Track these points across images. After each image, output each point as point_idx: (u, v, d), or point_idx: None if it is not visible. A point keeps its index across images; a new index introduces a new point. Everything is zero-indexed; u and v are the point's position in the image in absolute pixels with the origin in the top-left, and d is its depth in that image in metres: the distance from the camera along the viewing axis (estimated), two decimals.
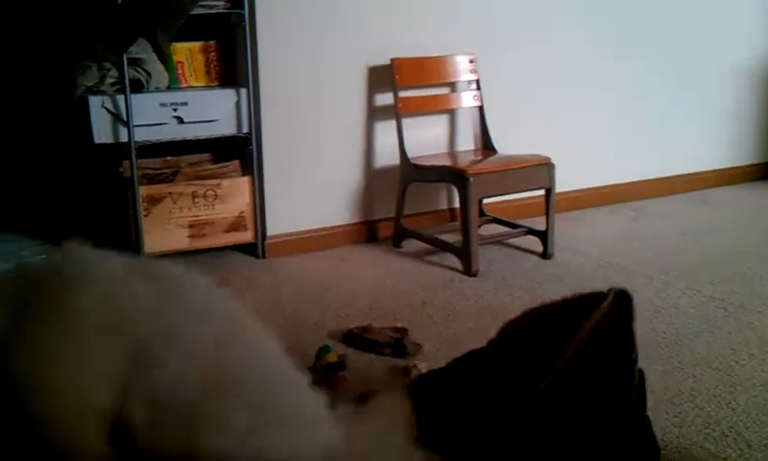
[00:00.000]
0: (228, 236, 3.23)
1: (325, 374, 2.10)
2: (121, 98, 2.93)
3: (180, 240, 3.13)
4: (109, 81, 2.98)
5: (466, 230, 3.09)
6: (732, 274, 3.07)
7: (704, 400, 2.07)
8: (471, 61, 3.56)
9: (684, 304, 2.76)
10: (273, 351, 1.55)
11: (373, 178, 3.52)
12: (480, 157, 3.49)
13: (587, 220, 3.90)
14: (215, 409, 1.33)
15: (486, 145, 3.59)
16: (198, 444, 1.29)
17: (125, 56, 2.86)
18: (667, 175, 4.37)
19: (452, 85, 3.61)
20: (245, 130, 3.18)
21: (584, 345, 1.59)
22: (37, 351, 1.27)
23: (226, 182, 3.18)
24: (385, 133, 3.47)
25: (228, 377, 1.38)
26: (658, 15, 4.08)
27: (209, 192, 3.14)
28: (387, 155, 3.48)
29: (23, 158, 3.81)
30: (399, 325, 2.51)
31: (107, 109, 2.97)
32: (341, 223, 3.49)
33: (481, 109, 3.59)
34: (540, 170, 3.24)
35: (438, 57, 3.50)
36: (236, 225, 3.22)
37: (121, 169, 3.16)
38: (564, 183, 3.50)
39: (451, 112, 3.66)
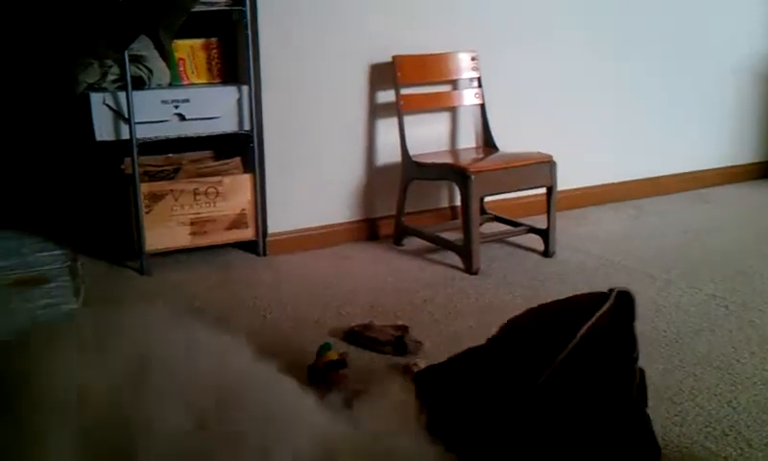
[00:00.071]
0: (230, 234, 3.23)
1: (326, 371, 2.10)
2: (122, 95, 2.93)
3: (182, 237, 3.13)
4: (111, 78, 2.98)
5: (467, 229, 3.09)
6: (734, 272, 3.07)
7: (704, 398, 2.07)
8: (473, 59, 3.56)
9: (685, 303, 2.77)
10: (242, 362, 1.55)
11: (375, 175, 3.52)
12: (481, 155, 3.49)
13: (588, 218, 3.89)
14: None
15: (487, 143, 3.59)
16: None
17: (126, 53, 2.86)
18: (668, 173, 4.37)
19: (454, 83, 3.61)
20: (246, 127, 3.18)
21: (583, 343, 1.59)
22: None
23: (227, 180, 3.18)
24: (386, 131, 3.47)
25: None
26: (659, 15, 4.07)
27: (211, 189, 3.14)
28: (388, 152, 3.48)
29: (24, 156, 3.81)
30: (400, 322, 2.52)
31: (108, 106, 2.97)
32: (342, 220, 3.49)
33: (482, 106, 3.59)
34: (542, 168, 3.24)
35: (439, 54, 3.50)
36: (237, 222, 3.22)
37: (122, 166, 3.16)
38: (565, 182, 3.50)
39: (453, 110, 3.66)
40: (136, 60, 2.96)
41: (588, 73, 3.95)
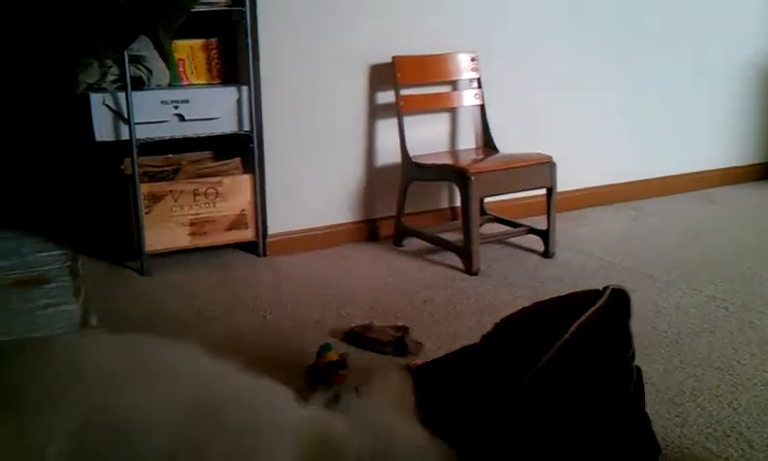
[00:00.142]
0: (230, 234, 3.22)
1: (327, 372, 2.10)
2: (122, 95, 2.93)
3: (182, 238, 3.13)
4: (111, 78, 2.97)
5: (467, 229, 3.09)
6: (734, 273, 3.07)
7: (705, 399, 2.07)
8: (473, 60, 3.55)
9: (685, 304, 2.76)
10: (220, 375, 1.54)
11: (375, 176, 3.52)
12: (481, 156, 3.49)
13: (588, 219, 3.89)
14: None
15: (487, 144, 3.59)
16: None
17: (126, 53, 2.86)
18: (669, 174, 4.36)
19: (454, 84, 3.60)
20: (246, 128, 3.18)
21: (573, 340, 1.59)
22: None
23: (227, 180, 3.18)
24: (386, 132, 3.47)
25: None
26: (661, 15, 4.07)
27: (210, 190, 3.14)
28: (388, 153, 3.48)
29: (24, 156, 3.81)
30: (400, 323, 2.51)
31: (108, 106, 2.97)
32: (342, 221, 3.49)
33: (482, 107, 3.59)
34: (542, 169, 3.24)
35: (439, 55, 3.50)
36: (237, 223, 3.22)
37: (122, 167, 3.16)
38: (565, 183, 3.49)
39: (452, 111, 3.66)
40: (136, 60, 2.96)
41: (590, 73, 3.94)
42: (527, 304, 1.88)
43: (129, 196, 3.04)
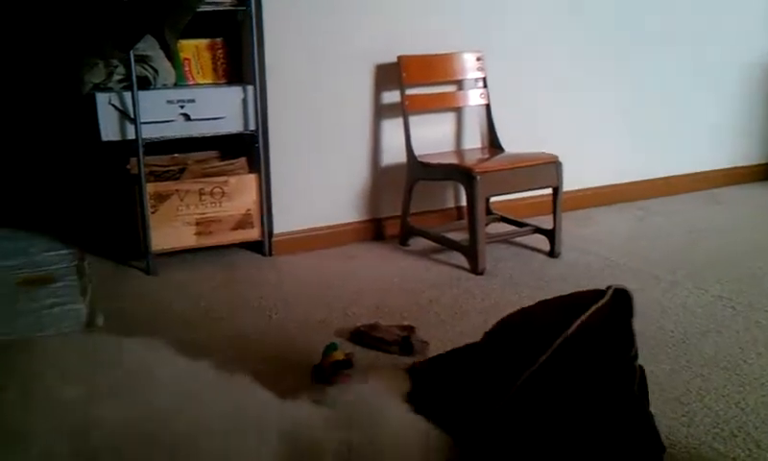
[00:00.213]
0: (235, 234, 3.23)
1: (332, 372, 2.10)
2: (128, 95, 2.93)
3: (187, 237, 3.13)
4: (117, 78, 2.98)
5: (472, 229, 3.08)
6: (740, 273, 3.06)
7: (712, 399, 2.06)
8: (478, 59, 3.55)
9: (691, 304, 2.76)
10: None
11: (380, 175, 3.52)
12: (487, 156, 3.49)
13: (594, 219, 3.89)
14: None
15: (493, 143, 3.58)
16: None
17: (132, 53, 2.86)
18: (672, 174, 4.35)
19: (459, 83, 3.60)
20: (252, 127, 3.18)
21: (574, 339, 1.59)
22: None
23: (232, 180, 3.18)
24: (392, 131, 3.47)
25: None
26: (662, 14, 4.06)
27: (216, 189, 3.14)
28: (393, 153, 3.48)
29: (31, 156, 3.82)
30: (406, 323, 2.51)
31: (114, 106, 2.97)
32: (348, 221, 3.49)
33: (488, 106, 3.58)
34: (548, 168, 3.23)
35: (445, 54, 3.49)
36: (243, 222, 3.22)
37: (128, 166, 3.17)
38: (571, 182, 3.48)
39: (458, 110, 3.66)
40: (142, 60, 2.97)
41: (590, 73, 3.94)
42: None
43: (135, 195, 3.04)
